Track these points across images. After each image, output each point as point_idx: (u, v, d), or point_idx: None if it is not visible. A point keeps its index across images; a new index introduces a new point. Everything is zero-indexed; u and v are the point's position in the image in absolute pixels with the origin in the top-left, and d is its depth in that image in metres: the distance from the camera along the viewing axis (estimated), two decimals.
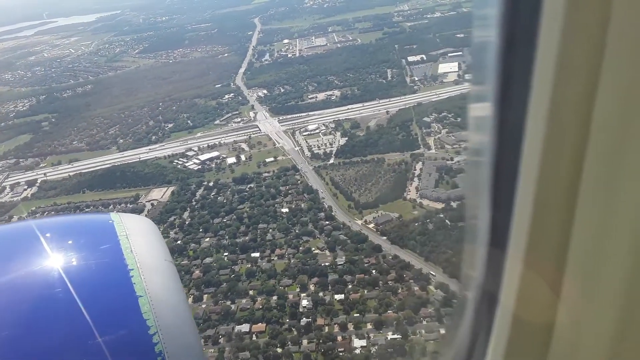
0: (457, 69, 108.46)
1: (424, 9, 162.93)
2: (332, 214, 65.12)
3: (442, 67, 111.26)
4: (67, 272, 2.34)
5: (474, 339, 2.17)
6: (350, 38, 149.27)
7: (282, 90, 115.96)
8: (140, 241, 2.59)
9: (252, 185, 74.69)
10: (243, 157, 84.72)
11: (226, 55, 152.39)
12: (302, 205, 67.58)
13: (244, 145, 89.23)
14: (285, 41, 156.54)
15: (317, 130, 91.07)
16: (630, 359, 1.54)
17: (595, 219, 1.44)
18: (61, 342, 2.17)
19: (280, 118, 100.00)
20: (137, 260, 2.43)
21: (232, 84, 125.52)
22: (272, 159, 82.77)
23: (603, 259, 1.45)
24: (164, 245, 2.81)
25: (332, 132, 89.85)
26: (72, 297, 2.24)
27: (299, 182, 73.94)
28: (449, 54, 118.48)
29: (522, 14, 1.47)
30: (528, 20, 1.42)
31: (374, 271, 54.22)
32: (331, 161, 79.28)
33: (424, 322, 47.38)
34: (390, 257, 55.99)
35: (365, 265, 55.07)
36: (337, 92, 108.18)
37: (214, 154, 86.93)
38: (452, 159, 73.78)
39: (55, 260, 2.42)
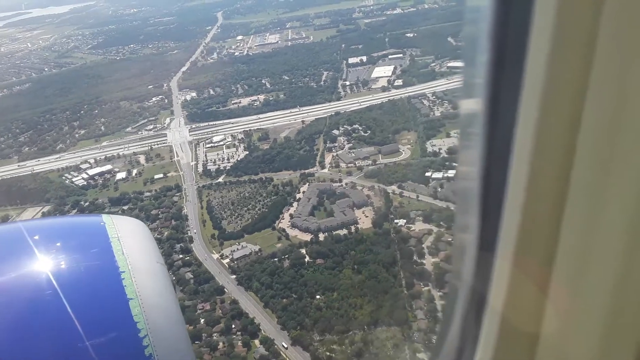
0: (390, 74, 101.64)
1: (386, 4, 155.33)
2: (190, 246, 59.20)
3: (377, 71, 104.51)
4: (56, 275, 2.31)
5: (463, 341, 2.18)
6: (304, 35, 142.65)
7: (212, 92, 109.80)
8: (131, 243, 2.54)
9: (126, 207, 68.79)
10: (134, 172, 78.85)
11: (175, 52, 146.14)
12: (165, 233, 61.71)
13: (141, 158, 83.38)
14: (239, 38, 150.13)
15: (222, 142, 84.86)
16: None
17: (583, 223, 1.46)
18: (50, 345, 2.15)
19: (194, 126, 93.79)
20: (129, 262, 2.40)
21: (166, 84, 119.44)
22: (161, 175, 76.77)
23: (591, 262, 1.48)
24: (155, 248, 2.75)
25: (237, 144, 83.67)
26: (62, 300, 2.21)
27: (174, 205, 67.98)
28: (390, 56, 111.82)
29: (512, 23, 1.47)
30: (518, 26, 1.42)
31: (202, 320, 48.33)
32: (220, 180, 73.17)
33: None
34: (229, 303, 50.09)
35: (197, 313, 49.17)
36: (262, 98, 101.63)
37: (106, 167, 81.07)
38: (340, 181, 67.45)
39: (44, 263, 2.38)
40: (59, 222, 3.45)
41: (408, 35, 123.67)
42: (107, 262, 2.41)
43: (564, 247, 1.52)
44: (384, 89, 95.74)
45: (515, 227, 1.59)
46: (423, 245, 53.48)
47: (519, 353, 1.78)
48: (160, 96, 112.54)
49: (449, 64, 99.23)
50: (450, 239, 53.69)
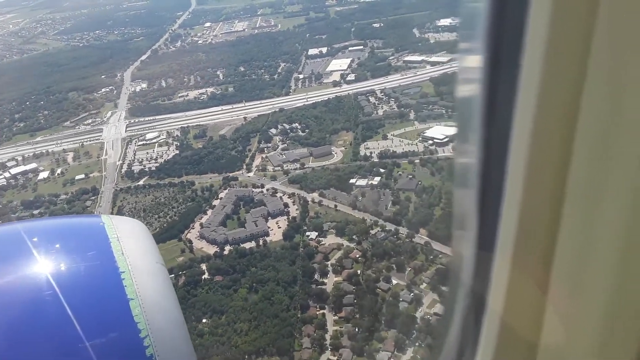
0: (345, 67, 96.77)
1: None
2: None
3: (333, 64, 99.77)
4: (56, 276, 2.29)
5: (463, 342, 2.18)
6: (272, 23, 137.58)
7: (163, 84, 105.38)
8: (131, 243, 2.52)
9: (37, 212, 64.69)
10: (58, 172, 74.60)
11: (140, 39, 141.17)
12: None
13: (69, 156, 79.13)
14: (207, 25, 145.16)
15: (155, 140, 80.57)
16: None
17: (582, 221, 1.46)
18: (51, 346, 2.14)
19: (134, 120, 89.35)
20: (129, 262, 2.39)
21: (120, 74, 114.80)
22: (83, 175, 72.53)
23: (590, 261, 1.47)
24: (155, 248, 2.73)
25: (171, 142, 79.30)
26: (62, 301, 2.20)
27: (85, 210, 63.84)
28: (350, 48, 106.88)
29: (508, 16, 1.46)
30: (514, 23, 1.41)
31: None
32: (141, 182, 68.96)
33: None
34: None
35: None
36: (210, 91, 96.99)
37: (31, 166, 76.90)
38: (262, 186, 63.14)
39: (44, 264, 2.36)
40: (58, 222, 3.35)
41: (375, 25, 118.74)
42: (107, 263, 2.39)
43: (563, 246, 1.50)
44: (335, 84, 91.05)
45: (513, 227, 1.56)
46: (328, 263, 49.29)
47: (519, 354, 1.77)
48: (110, 87, 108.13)
49: (406, 58, 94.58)
50: (357, 256, 49.60)
